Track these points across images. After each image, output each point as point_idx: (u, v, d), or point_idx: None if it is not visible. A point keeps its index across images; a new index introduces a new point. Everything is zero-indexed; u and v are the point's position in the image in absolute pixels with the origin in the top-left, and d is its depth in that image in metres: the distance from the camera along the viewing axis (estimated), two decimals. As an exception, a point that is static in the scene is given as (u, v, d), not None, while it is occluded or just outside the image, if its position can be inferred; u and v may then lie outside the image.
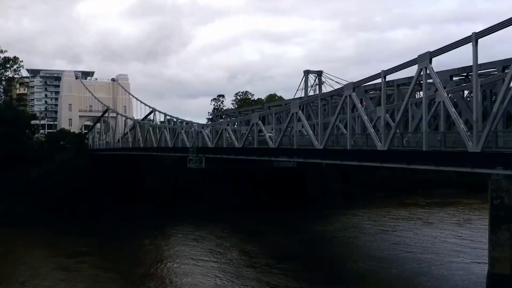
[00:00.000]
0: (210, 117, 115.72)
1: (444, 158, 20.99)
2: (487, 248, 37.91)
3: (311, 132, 29.37)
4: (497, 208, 36.09)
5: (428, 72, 21.64)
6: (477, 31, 19.21)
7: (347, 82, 68.45)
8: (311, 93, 74.40)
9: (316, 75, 74.57)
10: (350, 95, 25.41)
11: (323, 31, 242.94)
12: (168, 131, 55.90)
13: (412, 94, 24.30)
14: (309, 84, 74.10)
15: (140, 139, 62.67)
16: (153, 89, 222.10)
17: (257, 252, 47.03)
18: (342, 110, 31.47)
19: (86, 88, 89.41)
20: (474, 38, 19.33)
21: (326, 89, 74.89)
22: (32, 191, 65.44)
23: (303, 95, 74.31)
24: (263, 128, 35.13)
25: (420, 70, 21.37)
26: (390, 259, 44.61)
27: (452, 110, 19.91)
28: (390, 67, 23.94)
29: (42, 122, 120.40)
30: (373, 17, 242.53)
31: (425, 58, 21.08)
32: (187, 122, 55.64)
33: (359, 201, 76.64)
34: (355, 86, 25.50)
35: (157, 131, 59.76)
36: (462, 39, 20.00)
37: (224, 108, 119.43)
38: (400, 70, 23.77)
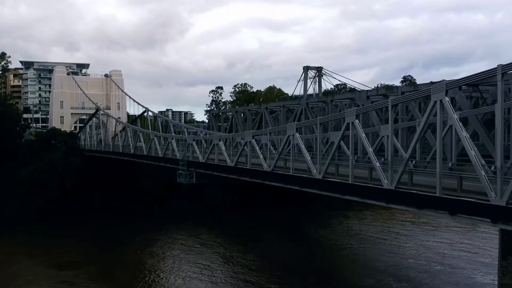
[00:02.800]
0: (209, 108, 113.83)
1: (460, 206, 18.24)
2: (496, 261, 35.77)
3: (308, 159, 26.50)
4: (509, 231, 33.28)
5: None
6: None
7: (348, 84, 67.26)
8: (310, 89, 72.61)
9: (315, 71, 72.31)
10: (353, 122, 22.42)
11: (322, 19, 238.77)
12: (158, 139, 53.01)
13: (424, 129, 21.15)
14: (309, 76, 72.12)
15: (131, 145, 59.91)
16: (151, 77, 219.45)
17: (254, 261, 45.41)
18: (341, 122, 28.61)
19: (78, 86, 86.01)
20: (500, 72, 16.18)
21: (325, 85, 73.38)
22: (22, 191, 63.79)
23: (302, 90, 72.46)
24: (258, 149, 32.28)
25: (434, 103, 18.29)
26: (395, 271, 42.47)
27: (472, 153, 16.97)
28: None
29: (36, 115, 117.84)
30: (373, 5, 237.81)
31: (441, 89, 17.99)
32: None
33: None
34: (358, 113, 22.52)
35: (149, 137, 56.90)
36: (485, 71, 16.83)
37: (223, 100, 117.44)
38: (408, 100, 20.84)
